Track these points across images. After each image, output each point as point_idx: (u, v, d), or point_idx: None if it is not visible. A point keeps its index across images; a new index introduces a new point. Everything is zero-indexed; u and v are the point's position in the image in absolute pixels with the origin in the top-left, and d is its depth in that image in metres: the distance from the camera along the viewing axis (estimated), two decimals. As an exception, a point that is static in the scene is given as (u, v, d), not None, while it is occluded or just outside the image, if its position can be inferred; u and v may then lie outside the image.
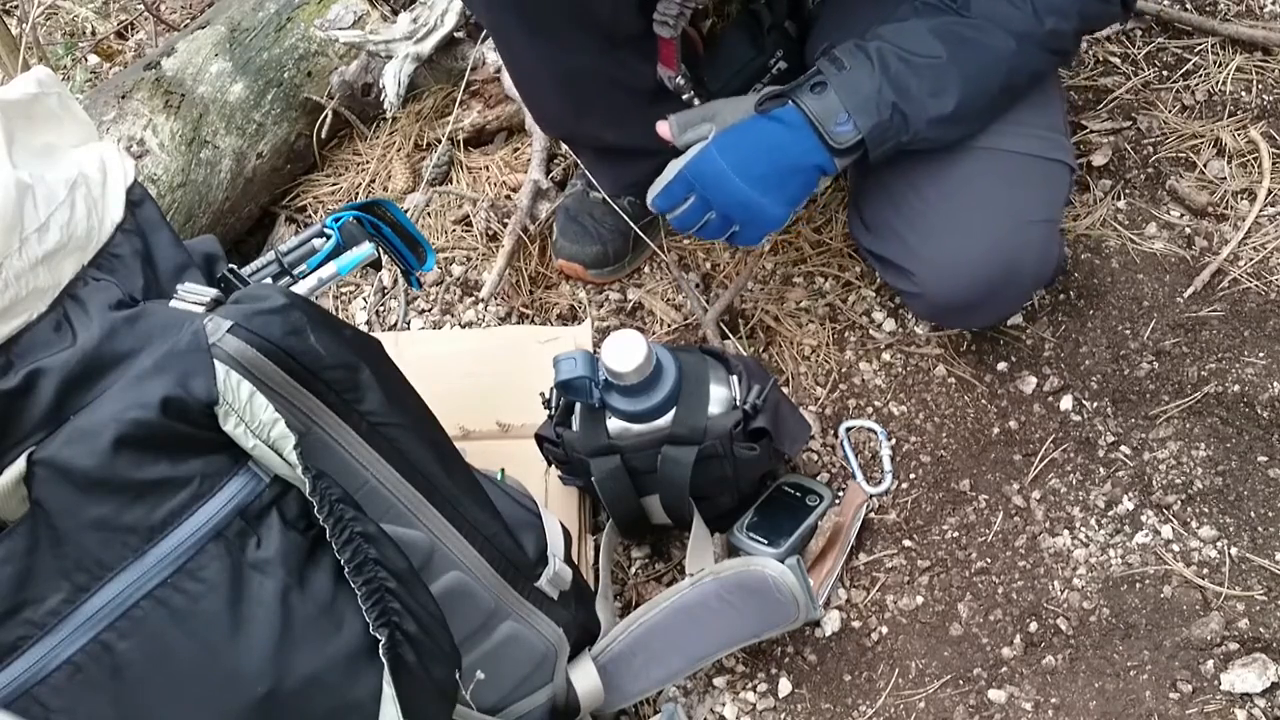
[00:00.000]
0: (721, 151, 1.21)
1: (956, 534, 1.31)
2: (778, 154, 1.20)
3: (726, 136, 1.22)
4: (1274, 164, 1.52)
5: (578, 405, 1.25)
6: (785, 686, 1.24)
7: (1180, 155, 1.57)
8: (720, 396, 1.23)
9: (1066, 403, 1.37)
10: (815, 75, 1.20)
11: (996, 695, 1.18)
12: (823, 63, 1.20)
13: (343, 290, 1.71)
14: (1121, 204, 1.53)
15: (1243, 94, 1.61)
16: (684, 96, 1.40)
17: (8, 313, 0.79)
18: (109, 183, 0.89)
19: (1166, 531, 1.26)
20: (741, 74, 1.46)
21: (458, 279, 1.67)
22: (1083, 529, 1.28)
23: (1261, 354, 1.36)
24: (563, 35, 1.29)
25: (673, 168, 1.24)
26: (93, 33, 2.36)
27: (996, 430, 1.38)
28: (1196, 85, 1.64)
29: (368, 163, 1.80)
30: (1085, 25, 1.26)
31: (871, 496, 1.35)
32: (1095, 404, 1.37)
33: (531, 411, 1.32)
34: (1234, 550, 1.23)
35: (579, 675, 1.13)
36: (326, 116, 1.78)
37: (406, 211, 1.58)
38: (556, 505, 1.34)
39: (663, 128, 1.26)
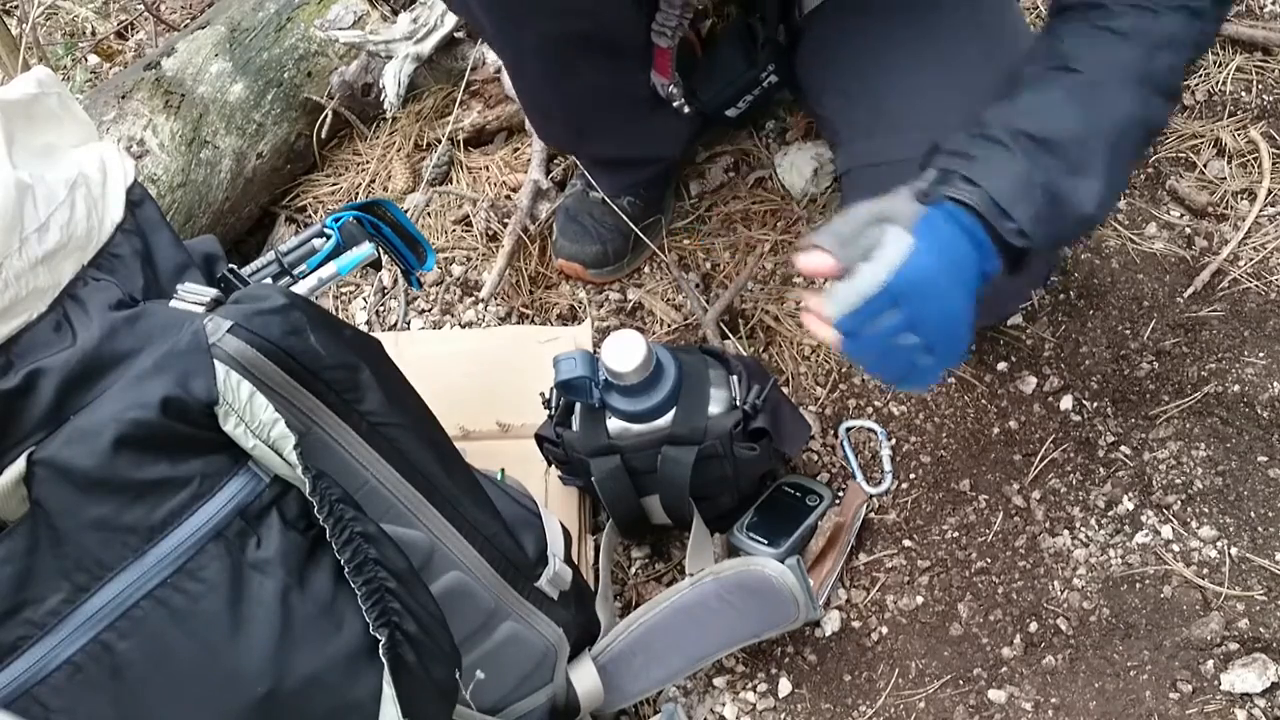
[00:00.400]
0: (934, 257, 0.92)
1: (956, 534, 1.31)
2: (968, 262, 0.95)
3: (928, 239, 0.93)
4: (1274, 164, 1.52)
5: (578, 405, 1.25)
6: (785, 686, 1.24)
7: (1180, 155, 1.57)
8: (720, 396, 1.23)
9: (1066, 403, 1.37)
10: (952, 169, 0.96)
11: (996, 695, 1.18)
12: (944, 159, 0.98)
13: (343, 290, 1.71)
14: (1121, 204, 1.53)
15: (1243, 94, 1.61)
16: (675, 104, 1.41)
17: (7, 312, 0.79)
18: (109, 183, 0.89)
19: (1166, 532, 1.26)
20: (734, 84, 1.48)
21: (457, 279, 1.67)
22: (1083, 529, 1.28)
23: (1262, 354, 1.36)
24: (574, 58, 1.29)
25: (867, 278, 0.91)
26: (93, 33, 2.36)
27: (996, 430, 1.38)
28: (1196, 85, 1.64)
29: (368, 163, 1.81)
30: (1197, 54, 1.05)
31: (871, 497, 1.35)
32: (1095, 404, 1.37)
33: (531, 411, 1.32)
34: (1234, 550, 1.22)
35: (579, 675, 1.13)
36: (326, 116, 1.78)
37: (406, 211, 1.58)
38: (556, 505, 1.34)
39: (814, 259, 0.95)
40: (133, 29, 2.34)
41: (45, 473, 0.75)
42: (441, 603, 0.88)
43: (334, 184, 1.81)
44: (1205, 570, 1.22)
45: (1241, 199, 1.51)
